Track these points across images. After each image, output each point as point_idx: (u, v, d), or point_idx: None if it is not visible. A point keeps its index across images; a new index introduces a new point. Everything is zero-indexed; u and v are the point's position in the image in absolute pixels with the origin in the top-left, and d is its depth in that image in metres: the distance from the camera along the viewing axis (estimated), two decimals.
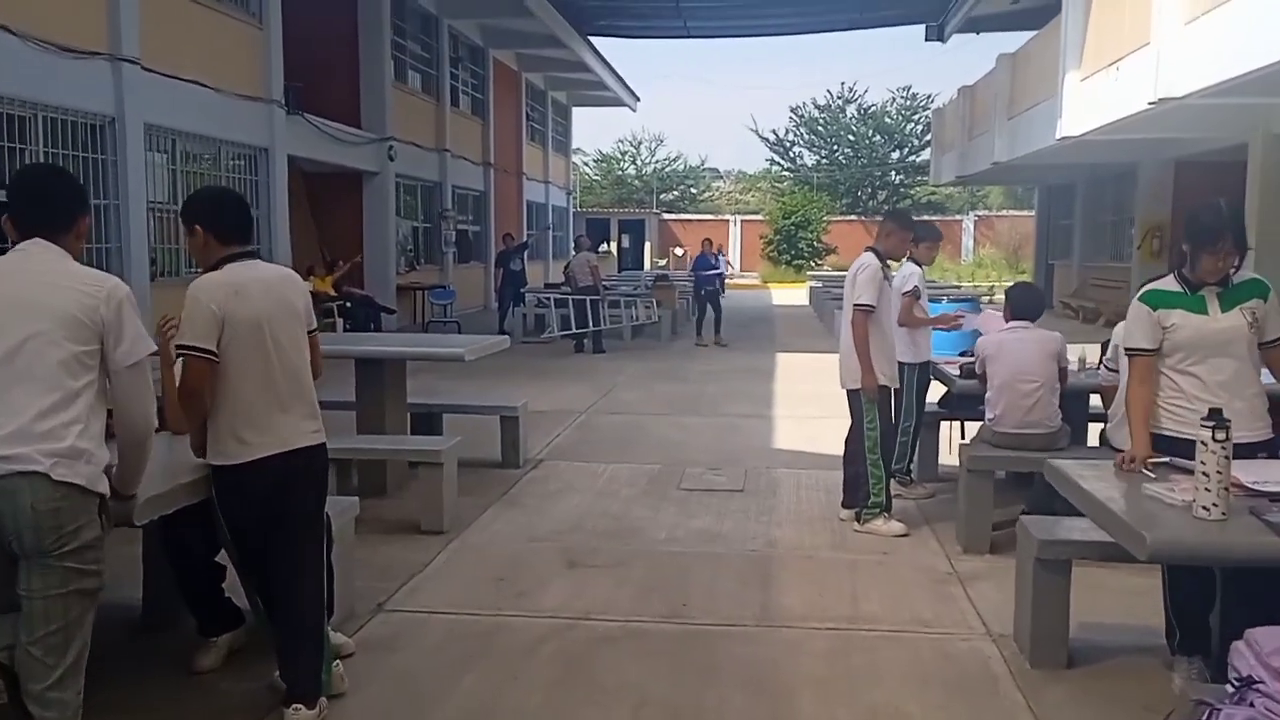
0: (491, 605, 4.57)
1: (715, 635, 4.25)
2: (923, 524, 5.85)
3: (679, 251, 41.53)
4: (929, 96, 44.89)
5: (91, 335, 2.75)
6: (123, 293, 2.85)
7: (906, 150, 45.91)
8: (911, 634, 4.27)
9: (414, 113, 19.80)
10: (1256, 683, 2.53)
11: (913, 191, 45.16)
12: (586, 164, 50.33)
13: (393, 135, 18.09)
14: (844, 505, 5.91)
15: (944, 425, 6.80)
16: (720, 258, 16.60)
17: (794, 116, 47.33)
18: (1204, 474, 2.87)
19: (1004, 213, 42.83)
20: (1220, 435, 2.82)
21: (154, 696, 3.65)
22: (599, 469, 7.27)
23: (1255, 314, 3.55)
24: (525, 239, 22.75)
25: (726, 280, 16.64)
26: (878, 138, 46.07)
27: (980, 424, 5.73)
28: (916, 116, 45.36)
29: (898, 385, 5.83)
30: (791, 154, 47.98)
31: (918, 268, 6.31)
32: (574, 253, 17.32)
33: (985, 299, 19.12)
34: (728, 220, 44.74)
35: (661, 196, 48.39)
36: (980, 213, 42.66)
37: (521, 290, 17.94)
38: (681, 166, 51.22)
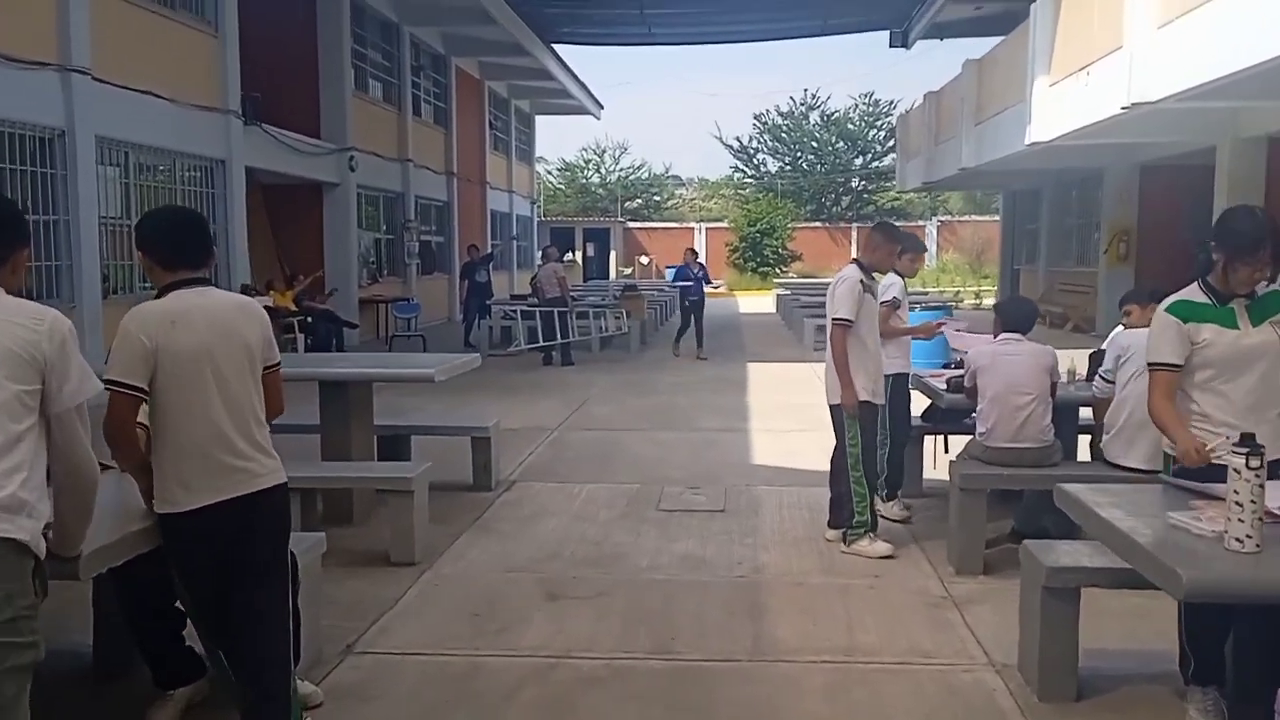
0: (468, 644, 4.31)
1: (707, 673, 4.02)
2: (911, 543, 5.67)
3: (644, 260, 41.37)
4: (891, 103, 45.24)
5: (33, 374, 2.45)
6: (65, 327, 2.57)
7: (870, 156, 46.13)
8: (912, 666, 4.07)
9: (375, 122, 19.47)
10: None
11: (876, 197, 45.36)
12: (550, 172, 50.07)
13: (353, 145, 17.75)
14: (830, 525, 5.72)
15: (927, 439, 6.64)
16: (702, 268, 16.08)
17: (757, 124, 47.43)
18: (1237, 503, 2.69)
19: (967, 218, 43.10)
20: (1254, 462, 2.65)
21: None
22: (575, 490, 7.03)
23: None
24: (491, 250, 22.45)
25: (705, 291, 16.04)
26: (841, 144, 46.23)
27: (969, 439, 5.56)
28: (879, 123, 45.59)
29: (882, 401, 5.64)
30: (755, 161, 48.05)
31: (899, 279, 6.14)
32: (540, 263, 17.06)
33: (953, 305, 19.12)
34: (693, 228, 44.63)
35: (626, 205, 48.22)
36: (943, 218, 42.86)
37: (488, 302, 17.64)
38: (646, 174, 51.10)
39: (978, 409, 5.35)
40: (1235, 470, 2.69)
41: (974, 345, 5.71)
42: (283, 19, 16.91)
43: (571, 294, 16.31)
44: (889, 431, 5.98)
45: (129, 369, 2.93)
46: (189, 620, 3.44)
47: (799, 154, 46.97)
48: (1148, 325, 5.12)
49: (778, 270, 39.35)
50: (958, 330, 6.54)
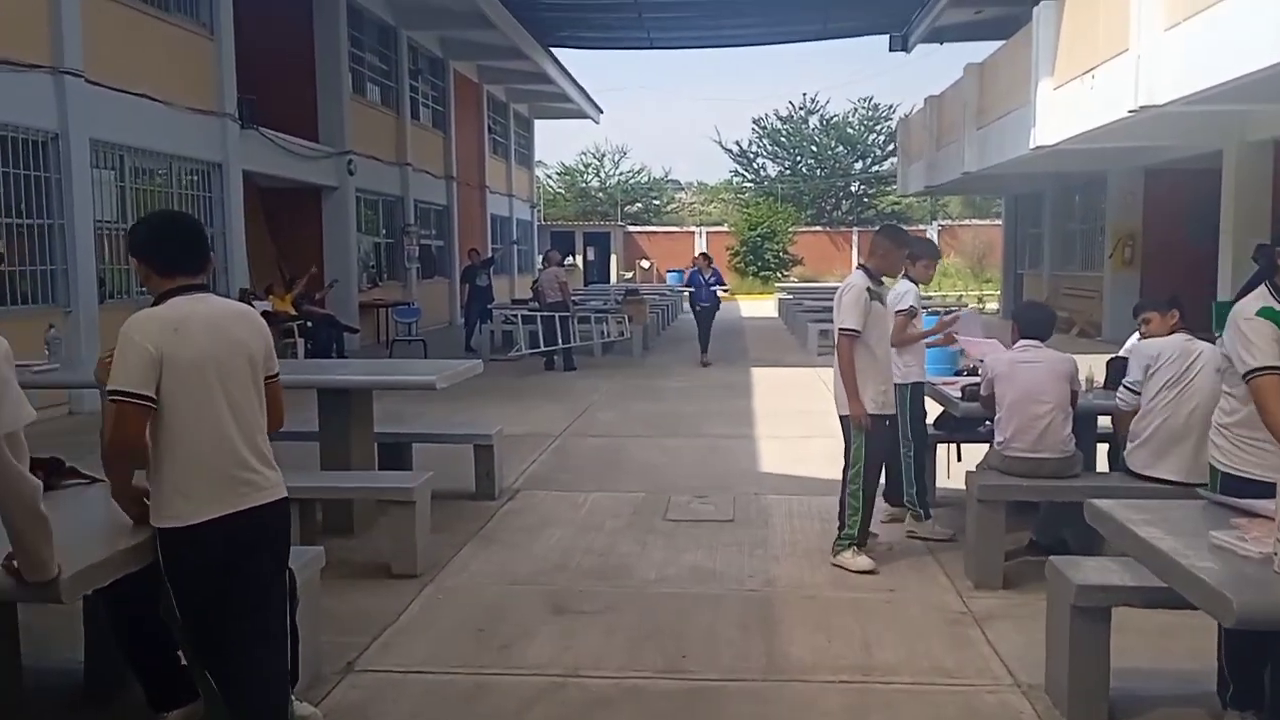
0: (472, 661, 4.16)
1: (720, 693, 3.87)
2: (927, 555, 5.53)
3: (645, 264, 41.23)
4: (891, 107, 45.14)
5: None
6: (1, 350, 2.44)
7: (869, 161, 46.00)
8: (933, 686, 3.92)
9: (373, 126, 19.34)
10: None
11: (876, 201, 45.26)
12: (550, 177, 49.93)
13: (352, 149, 17.63)
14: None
15: (940, 448, 6.49)
16: (715, 274, 15.67)
17: (756, 128, 47.31)
18: None
19: (968, 222, 42.99)
20: None
21: None
22: (579, 498, 6.88)
23: None
24: (491, 255, 22.30)
25: (718, 296, 15.62)
26: (840, 148, 46.11)
27: (986, 448, 5.42)
28: (879, 127, 45.49)
29: (892, 412, 5.47)
30: (755, 165, 47.93)
31: (913, 285, 5.93)
32: (541, 267, 16.92)
33: (957, 309, 18.96)
34: (693, 232, 44.50)
35: (626, 209, 48.09)
36: (944, 222, 42.75)
37: (489, 307, 17.50)
38: (645, 179, 50.96)
39: (995, 418, 5.20)
40: None
41: (988, 352, 5.54)
42: (279, 21, 16.78)
43: (573, 299, 16.17)
44: (910, 440, 5.82)
45: (138, 378, 2.81)
46: (177, 638, 3.29)
47: (799, 158, 46.86)
48: (1168, 333, 5.01)
49: (779, 274, 39.23)
50: (970, 339, 6.32)
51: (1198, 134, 12.43)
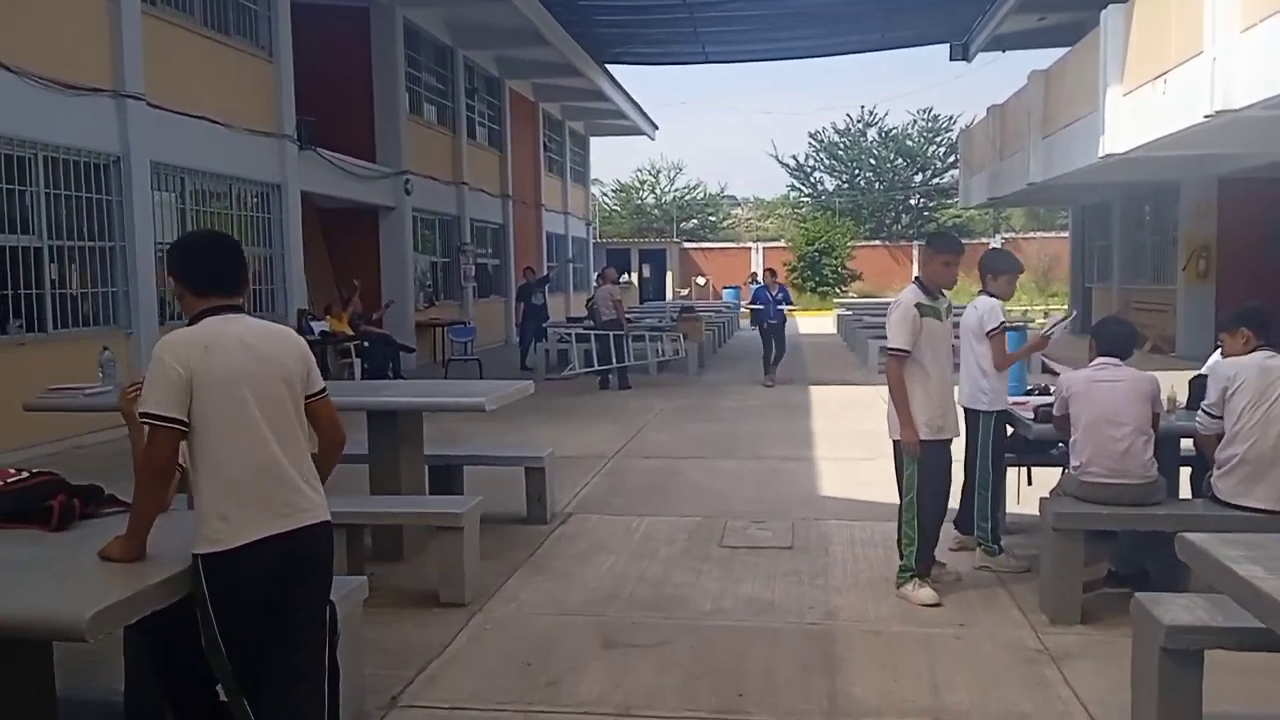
0: (519, 698, 3.99)
1: None
2: (998, 586, 5.24)
3: (701, 281, 41.03)
4: (951, 118, 44.47)
5: None
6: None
7: (930, 173, 45.37)
8: None
9: (430, 145, 19.45)
10: None
11: (937, 215, 44.58)
12: (605, 194, 50.05)
13: (409, 169, 17.72)
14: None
15: (1009, 471, 6.18)
16: (782, 289, 15.18)
17: (813, 141, 46.96)
18: None
19: (1032, 234, 42.13)
20: None
21: None
22: (633, 523, 6.69)
23: None
24: (547, 272, 22.29)
25: (785, 313, 15.09)
26: (900, 161, 45.54)
27: (1062, 472, 5.13)
28: (939, 138, 44.85)
29: (951, 436, 5.11)
30: (812, 179, 47.52)
31: (996, 301, 5.52)
32: (596, 285, 16.82)
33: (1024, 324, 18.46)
34: (749, 248, 44.22)
35: (681, 225, 47.98)
36: (1007, 234, 41.93)
37: (544, 325, 17.44)
38: (701, 194, 50.84)
39: (1071, 441, 4.91)
40: None
41: (1068, 372, 5.24)
42: (337, 43, 16.96)
43: (627, 316, 16.02)
44: (989, 472, 5.48)
45: (167, 400, 2.73)
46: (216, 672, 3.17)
47: (857, 171, 46.37)
48: (1244, 352, 4.69)
49: (838, 290, 38.76)
50: (1058, 367, 5.92)
51: (1274, 140, 11.90)
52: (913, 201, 45.93)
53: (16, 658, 2.90)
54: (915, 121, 45.56)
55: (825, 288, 38.62)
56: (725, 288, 38.14)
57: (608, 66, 25.35)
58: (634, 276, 39.36)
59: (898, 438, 5.02)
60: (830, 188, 47.15)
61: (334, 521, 4.97)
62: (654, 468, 8.64)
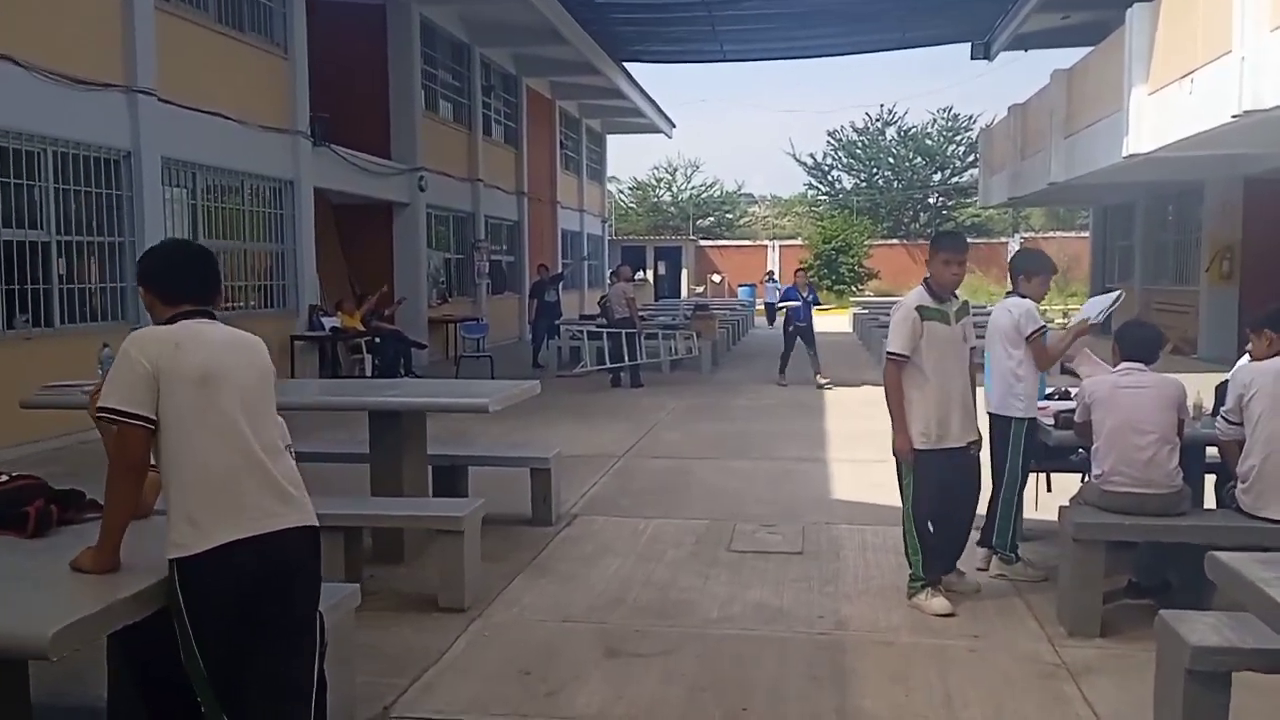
0: (516, 708, 3.87)
1: None
2: (1014, 596, 5.08)
3: (716, 279, 40.86)
4: (970, 117, 44.14)
5: None
6: None
7: (949, 172, 45.05)
8: None
9: (445, 142, 19.36)
10: None
11: (956, 214, 44.24)
12: (621, 191, 49.93)
13: (423, 165, 17.63)
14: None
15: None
16: (811, 290, 14.80)
17: (831, 140, 46.68)
18: None
19: (1051, 234, 41.74)
20: None
21: None
22: (640, 525, 6.56)
23: None
24: (561, 270, 22.17)
25: (812, 314, 14.66)
26: (919, 160, 45.22)
27: (1082, 479, 4.96)
28: (958, 138, 44.53)
29: (955, 444, 4.86)
30: (830, 178, 47.26)
31: (1028, 303, 5.27)
32: (610, 283, 16.68)
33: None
34: (766, 246, 44.01)
35: (698, 223, 47.80)
36: (1027, 234, 41.55)
37: (557, 322, 17.32)
38: (718, 192, 50.64)
39: (1094, 448, 4.73)
40: None
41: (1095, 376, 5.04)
42: (352, 40, 16.89)
43: (640, 314, 15.87)
44: (1017, 481, 5.25)
45: (131, 396, 2.62)
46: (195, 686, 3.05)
47: (875, 170, 46.08)
48: (1267, 355, 4.51)
49: (854, 289, 38.51)
50: (1083, 370, 5.57)
51: None
52: (931, 200, 45.61)
53: None
54: (935, 121, 45.28)
55: (842, 286, 38.36)
56: (740, 285, 37.98)
57: (625, 64, 25.21)
58: (649, 274, 39.21)
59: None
60: (848, 186, 46.89)
61: (331, 524, 4.91)
62: (664, 468, 8.50)
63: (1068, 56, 17.52)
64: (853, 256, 39.04)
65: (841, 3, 19.99)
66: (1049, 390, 6.21)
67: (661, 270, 40.93)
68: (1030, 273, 5.36)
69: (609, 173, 37.97)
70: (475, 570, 5.03)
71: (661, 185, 50.68)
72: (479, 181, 20.88)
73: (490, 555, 5.46)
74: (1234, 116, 9.39)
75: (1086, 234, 36.77)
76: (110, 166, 10.36)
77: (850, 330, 25.38)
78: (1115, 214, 23.23)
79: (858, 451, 9.03)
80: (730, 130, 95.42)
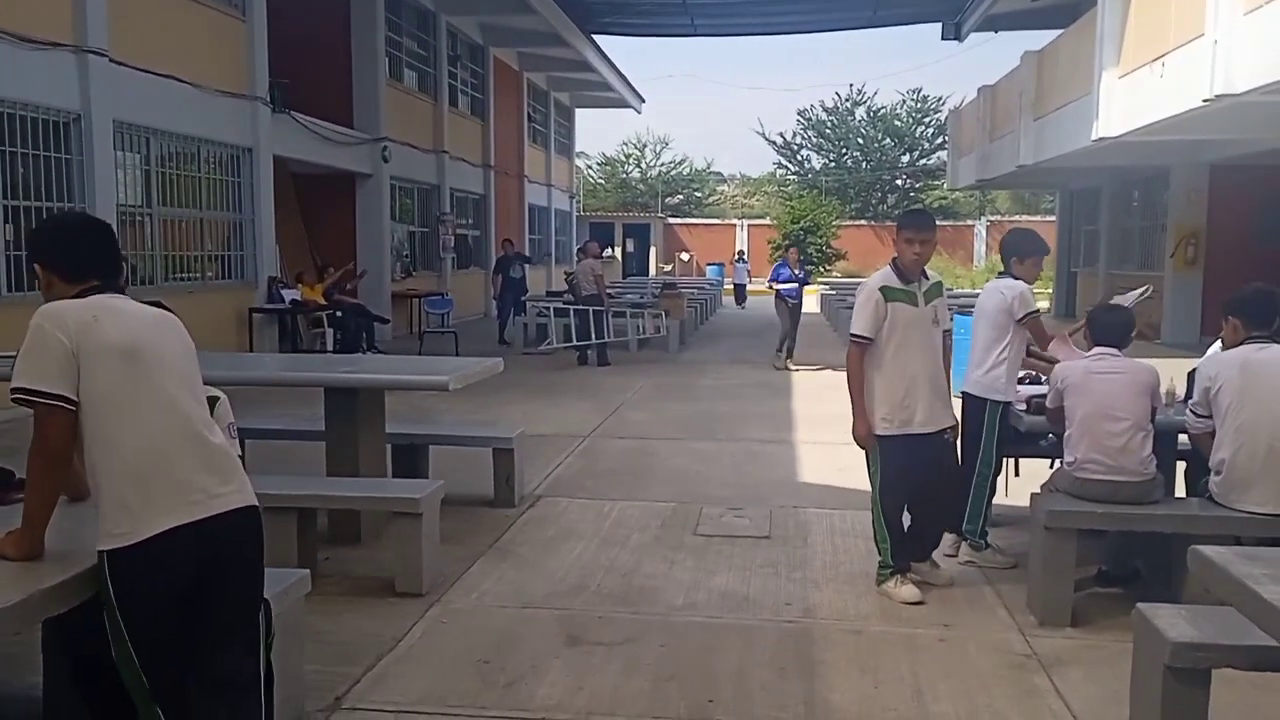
0: (473, 700, 3.72)
1: None
2: (984, 584, 4.99)
3: (685, 257, 40.70)
4: (940, 99, 44.22)
5: None
6: None
7: (917, 153, 45.13)
8: None
9: (410, 112, 18.99)
10: None
11: (923, 195, 44.36)
12: (590, 167, 49.56)
13: (387, 135, 17.29)
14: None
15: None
16: (803, 268, 14.30)
17: (801, 120, 46.56)
18: None
19: (1017, 218, 42.00)
20: None
21: None
22: (605, 508, 6.42)
23: None
24: (527, 253, 21.83)
25: (802, 291, 14.27)
26: (887, 141, 45.26)
27: (1054, 466, 4.88)
28: (927, 119, 44.61)
29: (922, 430, 4.67)
30: (799, 157, 47.18)
31: (1022, 284, 5.16)
32: (578, 259, 16.47)
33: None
34: (734, 225, 43.90)
35: (667, 200, 47.57)
36: (993, 217, 41.76)
37: (523, 299, 17.07)
38: (687, 170, 50.40)
39: (1066, 435, 4.65)
40: None
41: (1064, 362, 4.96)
42: (313, 4, 16.47)
43: (609, 292, 15.68)
44: (990, 465, 5.16)
45: (50, 372, 2.41)
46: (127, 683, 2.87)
47: (844, 150, 46.06)
48: (1236, 342, 4.43)
49: (822, 269, 38.51)
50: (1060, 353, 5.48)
51: (1271, 127, 11.66)
52: (899, 182, 45.67)
53: None
54: (904, 102, 45.38)
55: (810, 266, 38.29)
56: (709, 264, 37.85)
57: (595, 37, 24.89)
58: (617, 251, 38.97)
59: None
60: (817, 166, 46.83)
61: (284, 505, 4.72)
62: (630, 448, 8.36)
63: (1037, 38, 17.49)
64: (821, 237, 39.05)
65: None
66: (1020, 374, 6.13)
67: (630, 248, 40.70)
68: (1023, 254, 5.25)
69: (577, 148, 37.63)
70: (434, 554, 4.87)
71: (631, 161, 50.39)
72: (444, 153, 20.54)
73: (450, 538, 5.31)
74: (1205, 101, 9.34)
75: (1051, 218, 36.97)
76: (59, 129, 10.00)
77: (818, 311, 25.34)
78: (1081, 198, 23.33)
79: (825, 434, 8.93)
80: (700, 108, 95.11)
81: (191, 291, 12.07)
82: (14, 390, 2.41)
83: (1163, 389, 4.87)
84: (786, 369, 13.44)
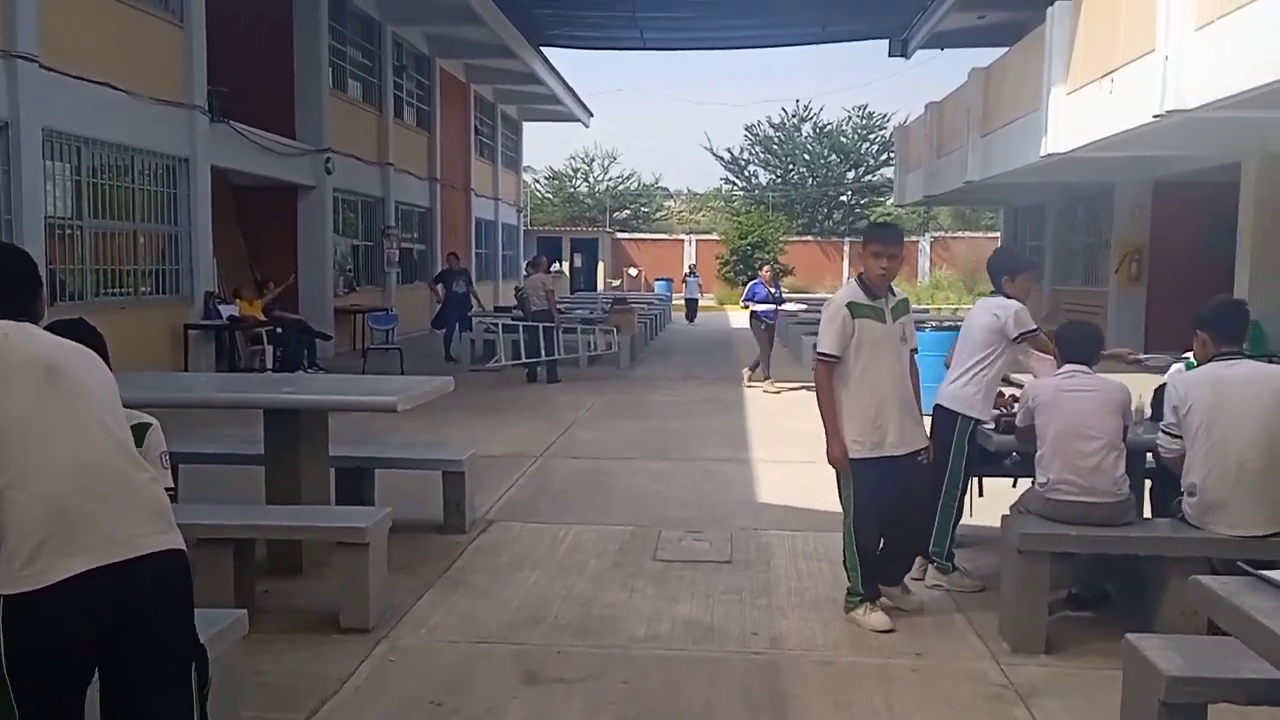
0: None
1: None
2: (953, 610, 4.85)
3: (633, 272, 40.58)
4: (885, 116, 44.70)
5: None
6: None
7: (863, 170, 45.54)
8: None
9: (354, 123, 18.60)
10: None
11: (869, 211, 44.79)
12: (537, 181, 49.25)
13: (330, 147, 16.87)
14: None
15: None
16: (777, 287, 13.86)
17: (749, 135, 46.77)
18: None
19: (960, 234, 42.58)
20: None
21: None
22: (559, 532, 6.18)
23: None
24: (469, 272, 21.40)
25: (777, 310, 13.79)
26: (834, 157, 45.61)
27: (1028, 486, 4.75)
28: (873, 136, 45.04)
29: (895, 452, 4.52)
30: (746, 173, 47.36)
31: (1016, 303, 5.06)
32: (526, 273, 16.19)
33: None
34: (682, 240, 43.90)
35: (615, 215, 47.45)
36: (936, 234, 42.27)
37: (467, 314, 16.65)
38: (635, 185, 50.35)
39: (1038, 455, 4.52)
40: None
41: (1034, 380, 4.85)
42: (254, 11, 16.04)
43: (559, 307, 15.43)
44: (958, 483, 5.05)
45: None
46: None
47: (791, 166, 46.32)
48: (1206, 358, 4.34)
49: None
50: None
51: (1217, 143, 11.82)
52: (845, 198, 46.03)
53: None
54: (850, 118, 45.71)
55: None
56: (657, 279, 37.77)
57: (543, 49, 24.67)
58: (565, 266, 38.73)
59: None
60: (764, 182, 47.04)
61: (220, 535, 4.43)
62: (584, 469, 8.13)
63: (983, 56, 17.66)
64: (769, 252, 39.16)
65: None
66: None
67: (578, 262, 40.47)
68: (1013, 272, 5.17)
69: (525, 162, 37.36)
70: (381, 586, 4.60)
71: (578, 176, 50.19)
72: (389, 165, 20.16)
73: (398, 567, 5.04)
74: (1156, 116, 9.39)
75: (993, 234, 37.47)
76: None
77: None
78: (1026, 215, 23.61)
79: (780, 452, 8.80)
80: (648, 122, 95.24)
81: (124, 307, 11.60)
82: None
83: (1133, 407, 4.77)
84: (764, 390, 12.91)
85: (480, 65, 25.09)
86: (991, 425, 5.04)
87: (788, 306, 14.33)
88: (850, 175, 45.71)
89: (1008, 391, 5.60)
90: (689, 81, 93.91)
